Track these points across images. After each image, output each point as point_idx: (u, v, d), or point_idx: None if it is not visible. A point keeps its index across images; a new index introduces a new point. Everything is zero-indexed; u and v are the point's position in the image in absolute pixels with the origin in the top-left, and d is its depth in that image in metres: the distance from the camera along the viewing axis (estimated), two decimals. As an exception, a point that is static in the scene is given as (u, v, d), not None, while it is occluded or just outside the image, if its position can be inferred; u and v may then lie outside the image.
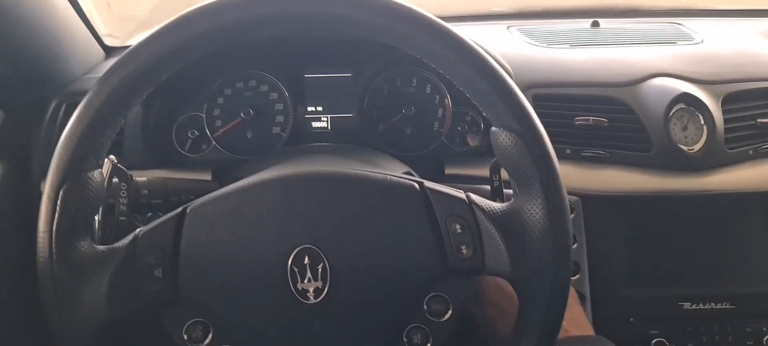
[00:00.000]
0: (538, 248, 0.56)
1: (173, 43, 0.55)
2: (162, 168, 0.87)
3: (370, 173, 0.59)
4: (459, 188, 0.60)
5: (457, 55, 0.56)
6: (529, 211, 0.56)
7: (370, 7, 0.55)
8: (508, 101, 0.56)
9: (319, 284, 0.56)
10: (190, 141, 0.91)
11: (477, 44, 0.57)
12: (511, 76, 0.87)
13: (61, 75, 0.92)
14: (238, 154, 0.91)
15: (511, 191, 0.60)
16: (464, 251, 0.57)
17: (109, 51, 1.05)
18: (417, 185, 0.59)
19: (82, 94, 0.89)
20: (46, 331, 0.58)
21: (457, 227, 0.57)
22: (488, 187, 0.72)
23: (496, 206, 0.59)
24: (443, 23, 0.57)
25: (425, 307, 0.58)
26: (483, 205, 0.58)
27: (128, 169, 0.84)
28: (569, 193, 0.81)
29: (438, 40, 0.56)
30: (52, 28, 0.87)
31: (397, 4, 0.56)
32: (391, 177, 0.59)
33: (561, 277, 0.56)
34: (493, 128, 0.57)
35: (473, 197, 0.59)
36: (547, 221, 0.55)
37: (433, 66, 0.58)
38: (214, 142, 0.91)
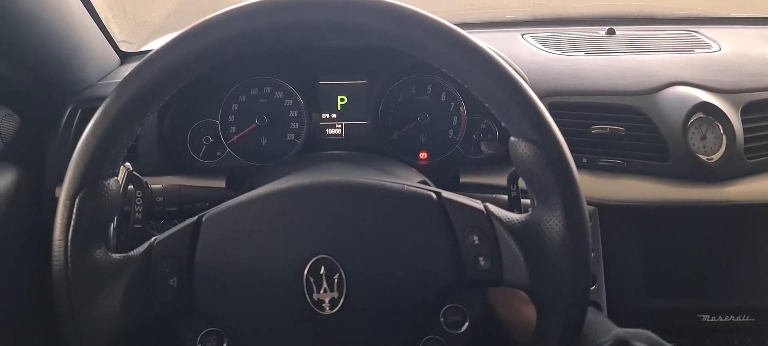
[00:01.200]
0: (558, 260, 0.55)
1: (189, 52, 0.55)
2: (176, 174, 0.87)
3: (387, 183, 0.59)
4: (477, 199, 0.60)
5: (475, 64, 0.56)
6: (548, 223, 0.55)
7: (388, 16, 0.55)
8: (527, 111, 0.55)
9: (335, 294, 0.56)
10: (204, 147, 0.91)
11: (496, 53, 0.57)
12: (528, 85, 0.88)
13: (77, 81, 0.92)
14: (253, 161, 0.91)
15: (528, 201, 0.59)
16: (482, 263, 0.56)
17: (124, 57, 1.05)
18: (434, 195, 0.58)
19: (98, 99, 0.90)
20: (60, 338, 0.58)
21: (475, 238, 0.57)
22: (505, 197, 0.72)
23: (514, 217, 0.58)
24: (462, 32, 0.56)
25: (442, 319, 0.58)
26: (501, 216, 0.58)
27: (143, 175, 0.85)
28: (586, 202, 0.82)
29: (457, 49, 0.55)
30: (68, 34, 0.87)
31: (415, 12, 0.55)
32: (408, 187, 0.58)
33: (580, 290, 0.55)
34: (511, 138, 0.57)
35: (491, 207, 0.58)
36: (566, 233, 0.54)
37: (452, 75, 0.57)
38: (228, 149, 0.91)
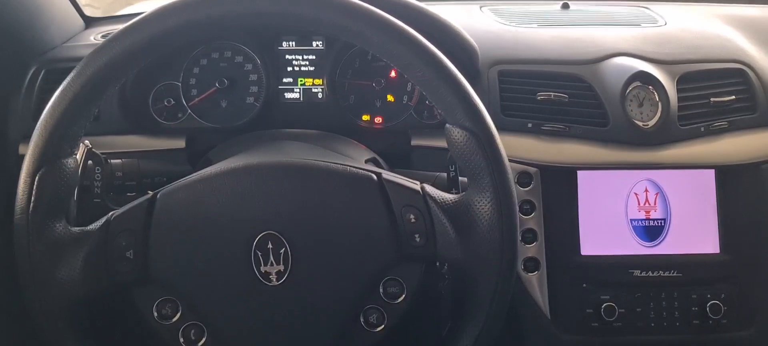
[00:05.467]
0: (487, 237, 0.60)
1: (146, 37, 0.59)
2: (137, 134, 0.90)
3: (331, 164, 0.63)
4: (416, 178, 0.65)
5: (413, 54, 0.60)
6: (479, 203, 0.61)
7: (329, 6, 0.59)
8: (461, 100, 0.60)
9: (281, 267, 0.60)
10: (165, 109, 0.94)
11: (431, 44, 0.60)
12: (476, 54, 0.92)
13: (40, 42, 0.94)
14: (212, 123, 0.94)
15: (465, 179, 0.64)
16: (418, 239, 0.62)
17: (88, 21, 1.07)
18: (375, 176, 0.63)
19: (61, 61, 0.93)
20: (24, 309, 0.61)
21: (412, 216, 0.62)
22: (445, 175, 0.76)
23: (448, 197, 0.63)
24: (399, 23, 0.60)
25: (381, 290, 0.63)
26: (436, 196, 0.63)
27: (105, 134, 0.88)
28: (529, 164, 0.87)
29: (394, 39, 0.60)
30: (30, -4, 0.89)
31: (354, 3, 0.59)
32: (351, 168, 0.63)
33: (507, 265, 0.61)
34: (447, 125, 0.62)
35: (428, 188, 0.63)
36: (495, 212, 0.60)
37: (391, 64, 0.62)
38: (189, 111, 0.94)
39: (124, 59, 0.59)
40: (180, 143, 0.89)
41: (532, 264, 0.85)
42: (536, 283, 0.85)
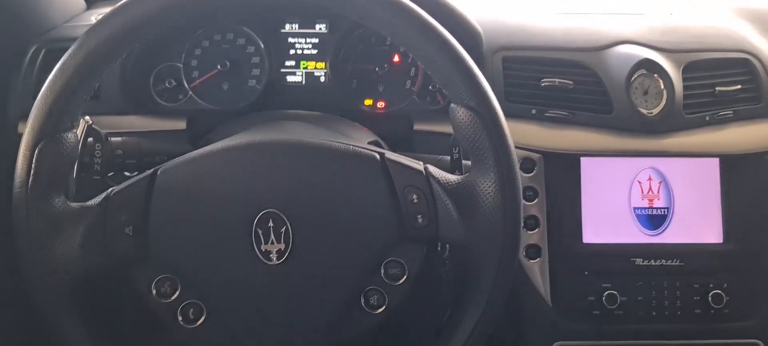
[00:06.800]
0: (490, 219, 0.60)
1: (148, 11, 0.58)
2: (138, 115, 0.89)
3: (334, 143, 0.62)
4: (418, 159, 0.64)
5: (418, 32, 0.59)
6: (482, 184, 0.60)
7: None
8: (466, 79, 0.59)
9: (282, 246, 0.60)
10: (166, 90, 0.93)
11: (438, 23, 0.60)
12: (481, 39, 0.91)
13: (41, 23, 0.94)
14: (214, 105, 0.93)
15: (469, 163, 0.63)
16: (420, 220, 0.61)
17: (89, 2, 1.06)
18: (377, 156, 0.62)
19: (62, 41, 0.92)
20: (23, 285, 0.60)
21: (414, 197, 0.61)
22: (448, 158, 0.75)
23: (452, 178, 0.62)
24: (406, 1, 0.59)
25: (382, 271, 0.62)
26: (439, 176, 0.62)
27: (105, 114, 0.87)
28: (532, 150, 0.86)
29: (400, 17, 0.59)
30: (31, -25, 0.88)
31: None
32: (353, 147, 0.62)
33: (510, 246, 0.60)
34: (451, 105, 0.61)
35: (431, 168, 0.62)
36: (498, 194, 0.59)
37: (396, 42, 0.61)
38: (190, 92, 0.93)
39: (126, 33, 0.59)
40: (181, 125, 0.88)
41: (533, 251, 0.85)
42: (538, 270, 0.85)
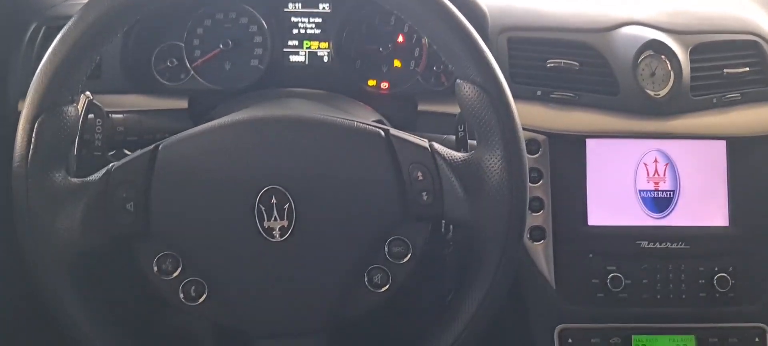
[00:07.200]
0: (496, 196, 0.59)
1: None
2: (140, 94, 0.88)
3: (338, 119, 0.61)
4: (423, 137, 0.63)
5: (424, 7, 0.58)
6: (488, 161, 0.59)
7: None
8: (473, 54, 0.59)
9: (285, 223, 0.59)
10: (168, 69, 0.92)
11: None
12: (486, 20, 0.90)
13: (41, 0, 0.93)
14: (216, 85, 0.92)
15: (474, 142, 0.62)
16: (425, 198, 0.60)
17: (90, -20, 1.05)
18: (382, 132, 0.61)
19: (62, 18, 0.91)
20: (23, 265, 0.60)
21: (419, 174, 0.60)
22: (454, 137, 0.74)
23: (457, 155, 0.61)
24: None
25: (386, 249, 0.61)
26: (445, 153, 0.61)
27: (106, 93, 0.86)
28: (537, 132, 0.86)
29: None
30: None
31: None
32: (358, 123, 0.61)
33: (516, 224, 0.59)
34: (457, 80, 0.60)
35: (436, 145, 0.61)
36: (505, 171, 0.58)
37: (402, 17, 0.60)
38: (192, 72, 0.92)
39: (126, 6, 0.58)
40: (182, 104, 0.87)
41: (538, 233, 0.84)
42: (542, 252, 0.84)
